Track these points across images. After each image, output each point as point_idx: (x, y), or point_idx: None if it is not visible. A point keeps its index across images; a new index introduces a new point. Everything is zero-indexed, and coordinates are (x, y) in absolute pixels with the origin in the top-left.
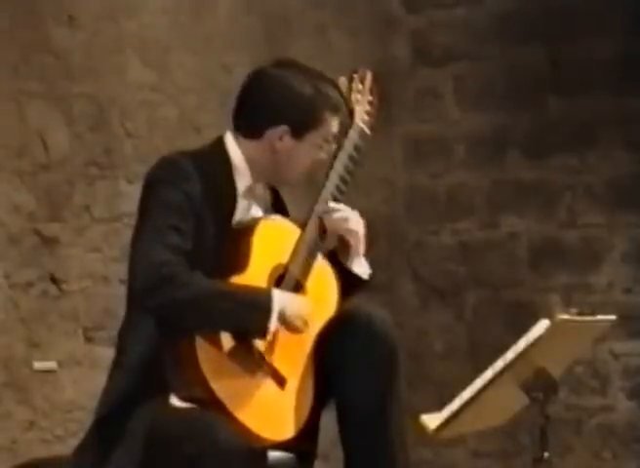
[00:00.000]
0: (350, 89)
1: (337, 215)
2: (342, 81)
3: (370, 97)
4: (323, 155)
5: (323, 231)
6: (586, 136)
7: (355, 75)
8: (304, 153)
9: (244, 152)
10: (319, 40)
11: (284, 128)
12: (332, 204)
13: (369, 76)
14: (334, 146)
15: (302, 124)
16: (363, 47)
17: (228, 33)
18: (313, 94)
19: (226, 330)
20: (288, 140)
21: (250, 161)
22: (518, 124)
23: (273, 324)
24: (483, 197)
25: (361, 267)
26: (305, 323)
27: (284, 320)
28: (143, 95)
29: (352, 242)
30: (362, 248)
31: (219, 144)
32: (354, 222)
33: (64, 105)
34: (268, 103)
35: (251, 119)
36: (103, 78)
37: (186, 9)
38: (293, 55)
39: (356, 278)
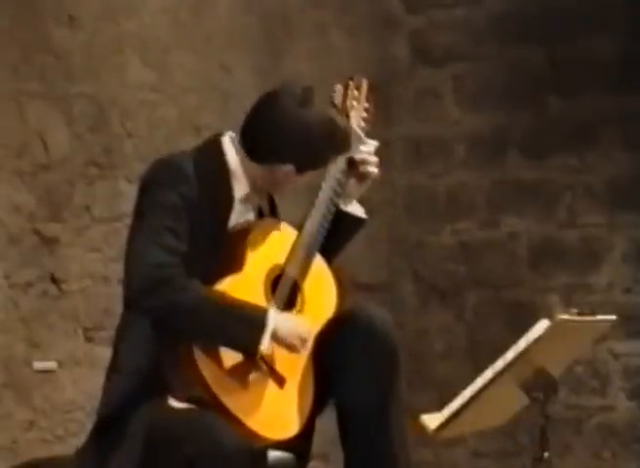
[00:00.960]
0: (346, 95)
1: (372, 159)
2: (338, 88)
3: (366, 104)
4: None
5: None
6: (586, 136)
7: (351, 82)
8: (302, 180)
9: (243, 163)
10: (319, 40)
11: (290, 167)
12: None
13: (365, 83)
14: None
15: (308, 166)
16: (363, 47)
17: (228, 33)
18: (324, 139)
19: (218, 343)
20: (291, 175)
21: (247, 173)
22: (518, 124)
23: (265, 343)
24: (483, 197)
25: (358, 209)
26: (303, 341)
27: (277, 339)
28: (143, 95)
29: (364, 185)
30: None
31: (215, 146)
32: (374, 169)
33: (64, 105)
34: (281, 142)
35: (260, 148)
36: (103, 78)
37: (186, 9)
38: (293, 55)
39: (354, 219)
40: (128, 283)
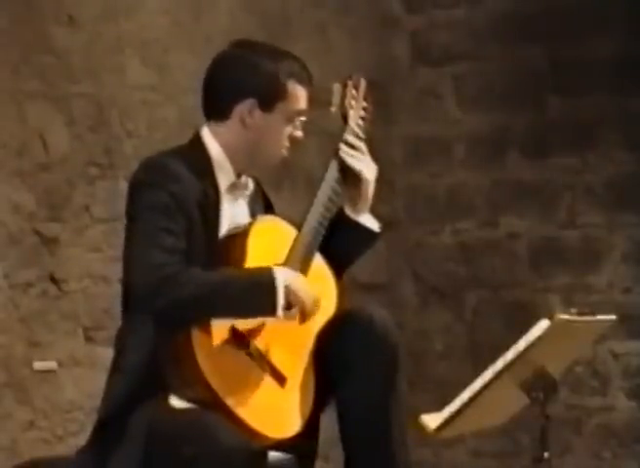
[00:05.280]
0: (344, 95)
1: (358, 159)
2: (337, 87)
3: (364, 104)
4: (298, 133)
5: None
6: (586, 136)
7: (349, 81)
8: (277, 127)
9: (220, 141)
10: (319, 40)
11: (251, 101)
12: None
13: (363, 83)
14: (303, 119)
15: (268, 94)
16: (363, 47)
17: (228, 33)
18: (273, 64)
19: (237, 317)
20: (258, 115)
21: (227, 149)
22: (518, 124)
23: (281, 298)
24: (483, 197)
25: (371, 221)
26: (317, 301)
27: (290, 294)
28: (143, 95)
29: (363, 189)
30: (370, 200)
31: (197, 140)
32: (371, 169)
33: (64, 105)
34: (231, 80)
35: (217, 100)
36: (103, 78)
37: (186, 9)
38: None
39: (368, 232)
40: (133, 289)
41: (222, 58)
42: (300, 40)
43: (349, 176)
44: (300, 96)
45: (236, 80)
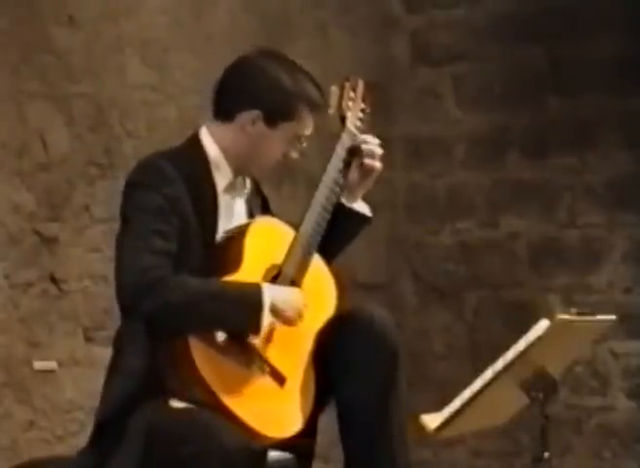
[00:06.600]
0: (342, 96)
1: (374, 148)
2: (334, 89)
3: (362, 105)
4: (295, 154)
5: (348, 163)
6: (586, 136)
7: (347, 83)
8: (276, 143)
9: (218, 141)
10: (319, 40)
11: (256, 112)
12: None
13: (361, 84)
14: (304, 145)
15: (276, 112)
16: (363, 47)
17: (228, 33)
18: (292, 85)
19: (219, 329)
20: (260, 126)
21: (225, 150)
22: (518, 124)
23: (266, 319)
24: (483, 197)
25: (364, 207)
26: (299, 313)
27: (276, 313)
28: (143, 95)
29: (369, 179)
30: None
31: (195, 141)
32: (379, 163)
33: (64, 105)
34: (244, 87)
35: (225, 101)
36: (103, 78)
37: (186, 9)
38: (293, 55)
39: (361, 217)
40: (120, 293)
41: (244, 62)
42: (300, 40)
43: (354, 166)
44: (307, 123)
45: (248, 88)
